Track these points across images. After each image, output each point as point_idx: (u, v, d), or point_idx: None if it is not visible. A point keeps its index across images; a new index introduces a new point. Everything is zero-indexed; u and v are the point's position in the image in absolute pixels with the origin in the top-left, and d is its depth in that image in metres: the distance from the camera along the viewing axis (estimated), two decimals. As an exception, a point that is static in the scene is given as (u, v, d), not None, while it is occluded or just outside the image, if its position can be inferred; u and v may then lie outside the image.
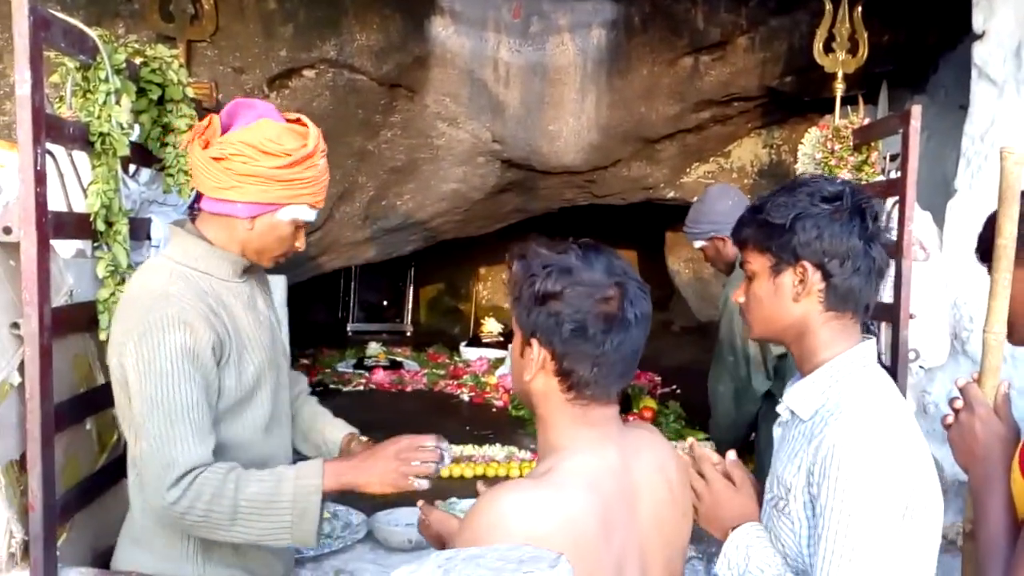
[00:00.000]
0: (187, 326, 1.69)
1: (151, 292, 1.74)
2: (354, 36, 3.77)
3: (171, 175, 2.48)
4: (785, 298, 1.46)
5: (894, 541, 1.31)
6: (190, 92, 2.51)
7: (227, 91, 3.54)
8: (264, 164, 1.75)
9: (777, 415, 1.57)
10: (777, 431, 1.56)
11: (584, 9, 4.17)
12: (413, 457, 1.83)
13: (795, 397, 1.49)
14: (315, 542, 1.75)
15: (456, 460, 3.81)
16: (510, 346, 1.44)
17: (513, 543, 1.09)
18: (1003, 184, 1.42)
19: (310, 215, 1.88)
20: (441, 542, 1.66)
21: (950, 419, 1.48)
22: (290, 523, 1.72)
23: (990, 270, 1.49)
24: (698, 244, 3.38)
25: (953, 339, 3.13)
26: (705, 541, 2.69)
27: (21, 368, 1.89)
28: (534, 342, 1.26)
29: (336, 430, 2.16)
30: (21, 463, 1.92)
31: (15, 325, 1.90)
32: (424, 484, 1.84)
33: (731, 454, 1.63)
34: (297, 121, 1.87)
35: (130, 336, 1.69)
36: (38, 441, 1.84)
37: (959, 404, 1.47)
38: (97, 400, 2.19)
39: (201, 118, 2.62)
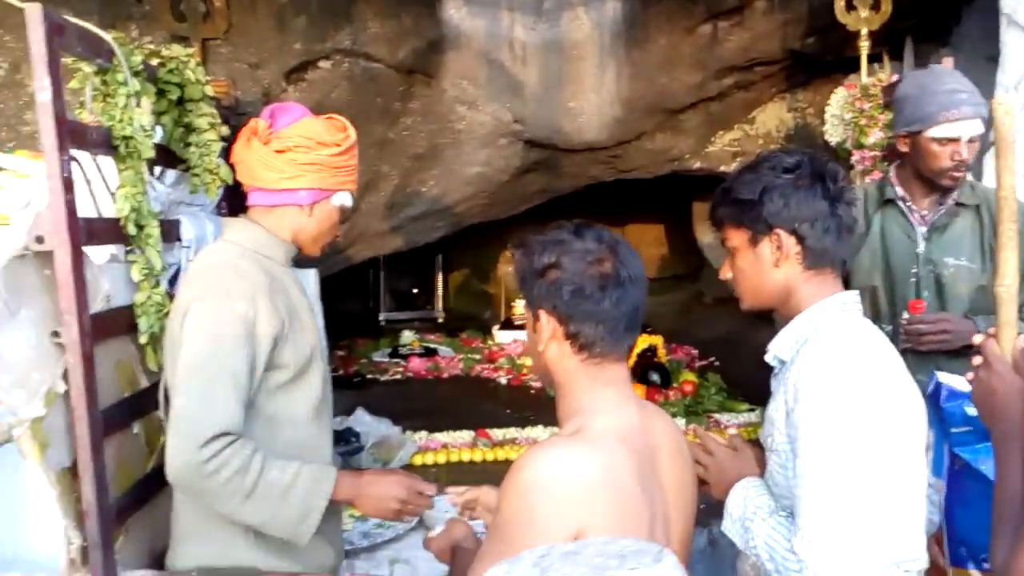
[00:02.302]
0: (252, 300, 1.81)
1: (221, 263, 1.87)
2: (367, 24, 3.74)
3: (197, 175, 2.48)
4: (767, 265, 1.57)
5: (868, 462, 1.39)
6: (209, 91, 2.50)
7: (244, 87, 3.54)
8: (322, 153, 1.94)
9: None
10: (773, 382, 1.65)
11: (597, -19, 4.11)
12: (414, 501, 1.95)
13: (778, 343, 1.60)
14: (306, 543, 1.85)
15: (500, 443, 3.80)
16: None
17: (555, 500, 1.12)
18: (997, 136, 1.45)
19: (350, 201, 2.06)
20: (451, 553, 1.66)
21: (970, 375, 1.47)
22: (294, 519, 1.81)
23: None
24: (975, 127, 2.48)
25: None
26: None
27: (65, 376, 1.90)
28: (541, 312, 1.39)
29: None
30: (73, 470, 1.94)
31: (55, 334, 1.91)
32: (410, 523, 2.09)
33: (731, 430, 1.69)
34: (329, 118, 2.04)
35: (195, 300, 1.80)
36: (88, 447, 1.86)
37: (978, 361, 1.45)
38: (143, 403, 2.20)
39: (221, 116, 2.63)
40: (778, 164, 1.56)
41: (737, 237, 1.61)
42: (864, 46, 3.61)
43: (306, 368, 1.94)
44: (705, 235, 6.39)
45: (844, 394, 1.41)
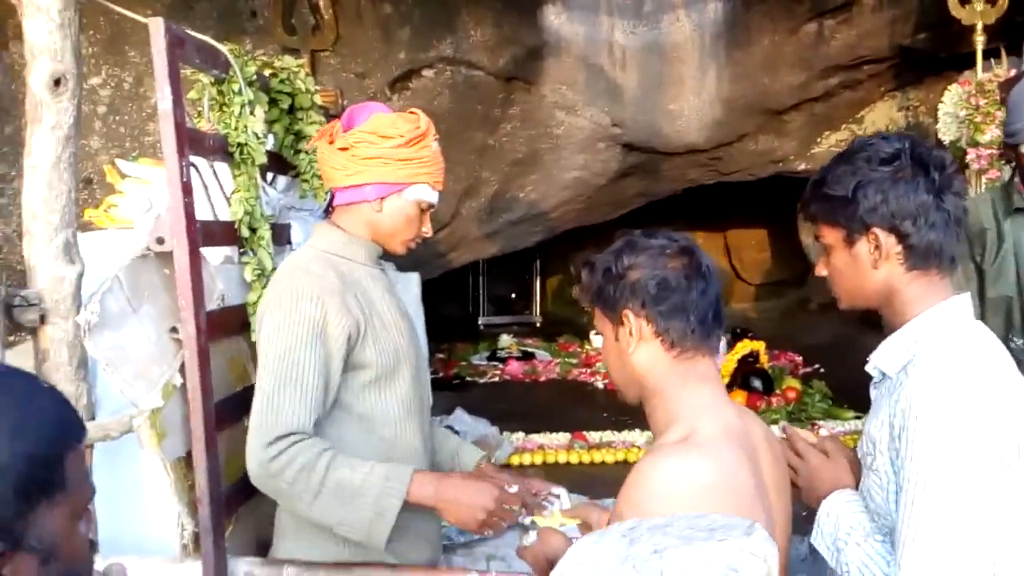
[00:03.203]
0: (319, 300, 1.78)
1: (291, 268, 1.87)
2: (469, 33, 3.81)
3: (306, 180, 2.58)
4: (865, 266, 1.44)
5: (981, 494, 1.25)
6: (318, 100, 2.59)
7: (351, 96, 3.64)
8: (385, 146, 1.87)
9: None
10: (873, 393, 1.52)
11: (698, -18, 4.08)
12: (499, 514, 1.83)
13: (882, 354, 1.46)
14: (384, 545, 1.78)
15: (596, 446, 3.80)
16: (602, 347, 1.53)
17: (681, 508, 1.08)
18: None
19: (432, 196, 1.96)
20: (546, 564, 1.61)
21: None
22: (368, 519, 1.75)
23: None
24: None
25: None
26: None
27: (182, 370, 2.00)
28: (627, 314, 1.35)
29: (470, 455, 2.15)
30: (187, 460, 2.04)
31: (174, 330, 2.01)
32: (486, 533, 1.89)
33: (823, 431, 1.58)
34: (402, 112, 1.97)
35: (267, 306, 1.82)
36: (202, 439, 1.95)
37: None
38: (253, 399, 2.29)
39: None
40: (874, 154, 1.40)
41: (831, 235, 1.47)
42: (979, 41, 3.46)
43: (395, 367, 1.93)
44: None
45: (962, 429, 1.27)
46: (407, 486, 1.76)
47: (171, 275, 1.99)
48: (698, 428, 1.28)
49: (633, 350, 1.36)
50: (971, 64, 3.60)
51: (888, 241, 1.40)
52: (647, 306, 1.33)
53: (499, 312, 7.40)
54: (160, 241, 1.96)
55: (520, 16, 3.93)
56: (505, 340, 6.33)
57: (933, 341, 1.39)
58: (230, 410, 2.17)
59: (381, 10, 3.67)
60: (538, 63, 4.10)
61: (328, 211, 2.94)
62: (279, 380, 1.75)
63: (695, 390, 1.34)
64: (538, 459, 3.67)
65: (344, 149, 1.87)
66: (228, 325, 2.21)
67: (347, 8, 3.62)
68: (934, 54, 4.30)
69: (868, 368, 1.51)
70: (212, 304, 2.12)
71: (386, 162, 1.88)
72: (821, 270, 1.54)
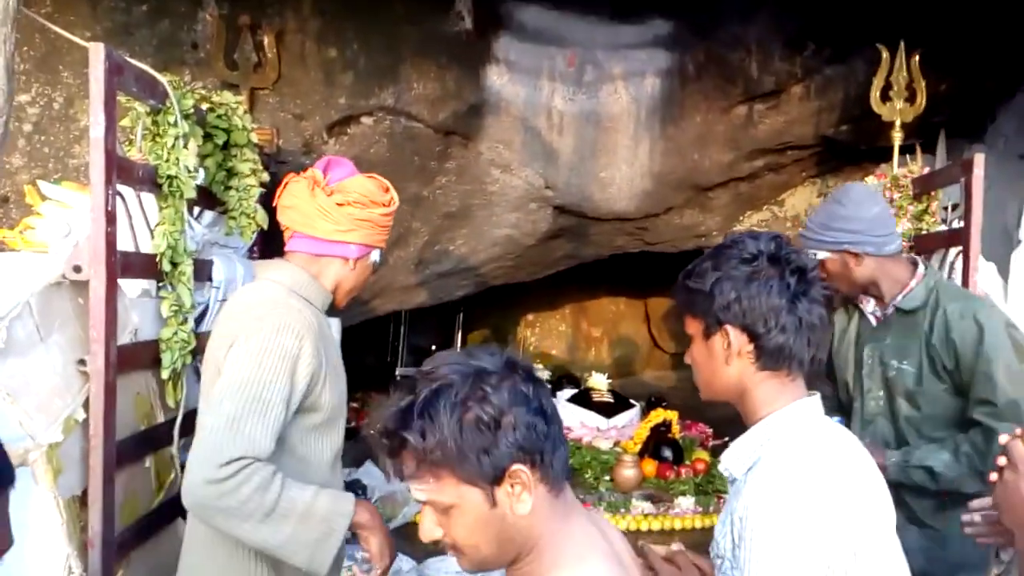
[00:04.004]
0: (299, 336, 1.83)
1: (271, 300, 1.89)
2: (412, 84, 3.83)
3: (233, 218, 2.54)
4: (719, 361, 1.45)
5: None
6: (254, 137, 2.57)
7: (287, 137, 3.62)
8: (375, 212, 2.02)
9: None
10: (729, 492, 1.55)
11: (638, 57, 4.20)
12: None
13: (731, 456, 1.48)
14: (326, 571, 1.80)
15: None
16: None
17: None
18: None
19: (379, 259, 2.13)
20: None
21: (994, 477, 1.41)
22: (315, 539, 1.77)
23: None
24: (820, 255, 2.47)
25: None
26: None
27: (86, 404, 1.92)
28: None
29: None
30: (82, 499, 1.95)
31: (82, 362, 1.94)
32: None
33: (675, 545, 1.59)
34: (372, 178, 2.10)
35: (242, 332, 1.80)
36: (100, 477, 1.87)
37: (1003, 462, 1.39)
38: (157, 438, 2.22)
39: (262, 163, 2.70)
40: (737, 253, 1.43)
41: (692, 326, 1.49)
42: (897, 137, 3.64)
43: (337, 414, 1.98)
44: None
45: (790, 542, 1.28)
46: (353, 507, 1.83)
47: (84, 305, 1.93)
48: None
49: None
50: (888, 157, 3.78)
51: (740, 339, 1.42)
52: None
53: (418, 363, 7.30)
54: (77, 269, 1.90)
55: (464, 72, 3.98)
56: (422, 392, 6.26)
57: (776, 445, 1.40)
58: (132, 449, 2.09)
59: (326, 53, 3.66)
60: (477, 120, 4.14)
61: (252, 250, 2.89)
62: (245, 404, 1.74)
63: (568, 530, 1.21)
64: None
65: (341, 205, 1.97)
66: (139, 360, 2.15)
67: (291, 48, 3.60)
68: (855, 145, 4.50)
69: (720, 469, 1.52)
70: (124, 338, 2.06)
71: (372, 225, 2.02)
72: (688, 358, 1.56)
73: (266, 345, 1.78)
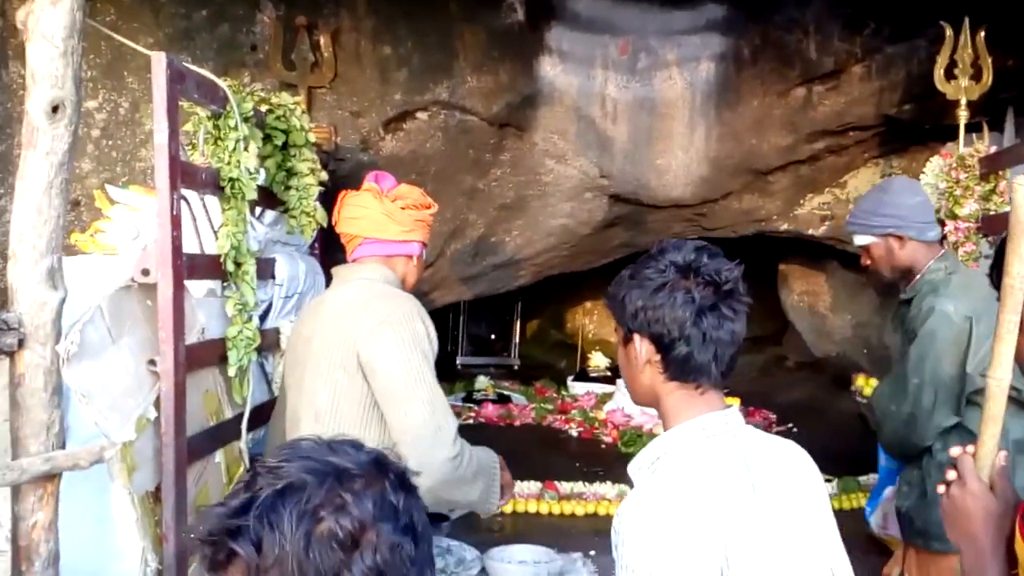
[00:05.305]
0: (426, 320, 2.13)
1: (394, 291, 2.18)
2: (465, 78, 3.85)
3: (294, 216, 2.59)
4: (635, 368, 1.45)
5: None
6: (312, 137, 2.62)
7: (345, 135, 3.67)
8: (425, 212, 2.30)
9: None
10: None
11: (692, 43, 4.15)
12: None
13: (634, 466, 1.46)
14: (495, 507, 2.27)
15: (567, 497, 3.79)
16: None
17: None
18: (1013, 219, 1.32)
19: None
20: None
21: (941, 490, 1.37)
22: (490, 485, 2.16)
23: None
24: (865, 241, 2.68)
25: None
26: None
27: (157, 403, 1.99)
28: None
29: None
30: (155, 494, 2.02)
31: (152, 362, 2.01)
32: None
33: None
34: (411, 184, 2.38)
35: (388, 324, 2.04)
36: (172, 473, 1.94)
37: (952, 476, 1.36)
38: (226, 434, 2.28)
39: (321, 161, 2.75)
40: (653, 263, 1.43)
41: (618, 331, 1.50)
42: (963, 115, 3.53)
43: None
44: (790, 297, 6.28)
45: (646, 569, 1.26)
46: (497, 461, 2.24)
47: (153, 307, 1.99)
48: None
49: None
50: (954, 136, 3.67)
51: (648, 349, 1.42)
52: None
53: (477, 353, 7.38)
54: (145, 273, 1.96)
55: (516, 64, 3.98)
56: (482, 381, 6.31)
57: (665, 461, 1.38)
58: (203, 445, 2.16)
59: (380, 51, 3.71)
60: (531, 111, 4.15)
61: (313, 247, 2.95)
62: (432, 390, 2.05)
63: None
64: (507, 508, 3.65)
65: (404, 208, 2.23)
66: (207, 359, 2.21)
67: (347, 47, 3.65)
68: (918, 125, 4.38)
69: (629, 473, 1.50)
70: (192, 337, 2.12)
71: (425, 225, 2.31)
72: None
73: (417, 333, 2.06)
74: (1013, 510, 1.33)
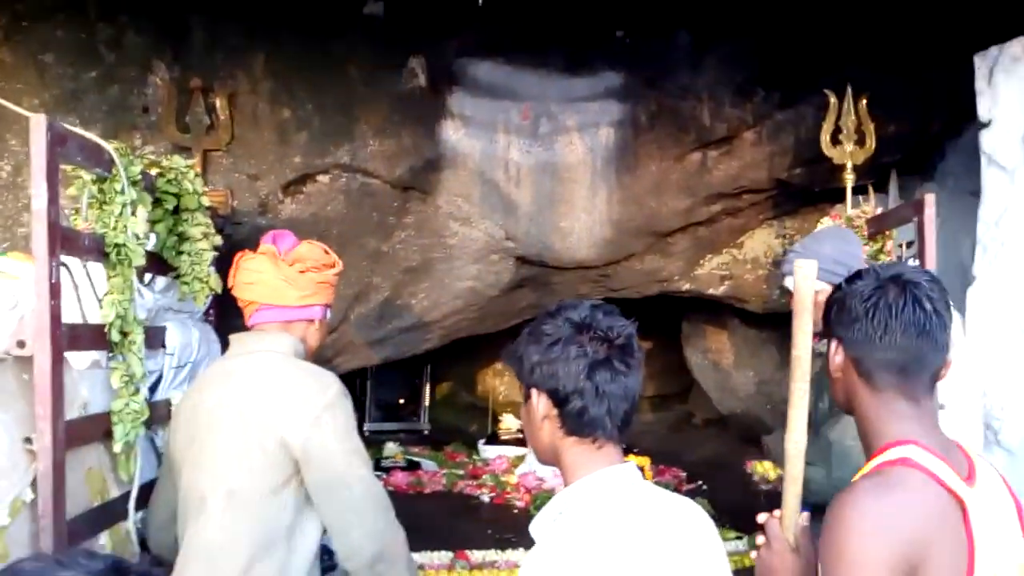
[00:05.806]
0: (346, 392, 2.12)
1: (313, 370, 2.13)
2: (367, 142, 3.84)
3: (187, 283, 2.50)
4: (535, 423, 1.46)
5: None
6: (205, 201, 2.55)
7: (242, 198, 3.60)
8: (328, 273, 2.24)
9: None
10: None
11: (592, 109, 4.25)
12: None
13: (536, 525, 1.46)
14: None
15: (478, 566, 3.70)
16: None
17: None
18: (796, 298, 1.45)
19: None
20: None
21: (754, 554, 1.50)
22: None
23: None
24: (820, 287, 2.58)
25: (986, 429, 3.05)
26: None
27: (33, 484, 1.86)
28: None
29: None
30: (29, 584, 1.87)
31: (28, 440, 1.88)
32: None
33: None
34: (311, 243, 2.30)
35: (323, 414, 2.01)
36: (47, 560, 1.79)
37: (760, 541, 1.48)
38: (112, 514, 2.15)
39: (217, 225, 2.67)
40: (554, 319, 1.44)
41: (521, 389, 1.51)
42: (849, 179, 3.70)
43: None
44: (694, 355, 6.39)
45: None
46: None
47: (30, 381, 1.87)
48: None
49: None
50: (842, 199, 3.84)
51: (546, 404, 1.43)
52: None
53: (386, 418, 7.24)
54: (21, 344, 1.85)
55: (419, 128, 3.99)
56: (391, 448, 6.17)
57: (565, 519, 1.38)
58: (86, 527, 2.02)
59: (279, 114, 3.67)
60: (435, 175, 4.16)
61: (207, 314, 2.85)
62: (369, 467, 2.06)
63: None
64: (417, 579, 3.54)
65: (303, 272, 2.17)
66: (89, 434, 2.09)
67: (244, 109, 3.60)
68: (809, 188, 4.57)
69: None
70: (74, 412, 2.00)
71: (327, 287, 2.24)
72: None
73: (347, 414, 2.08)
74: (813, 567, 1.44)
